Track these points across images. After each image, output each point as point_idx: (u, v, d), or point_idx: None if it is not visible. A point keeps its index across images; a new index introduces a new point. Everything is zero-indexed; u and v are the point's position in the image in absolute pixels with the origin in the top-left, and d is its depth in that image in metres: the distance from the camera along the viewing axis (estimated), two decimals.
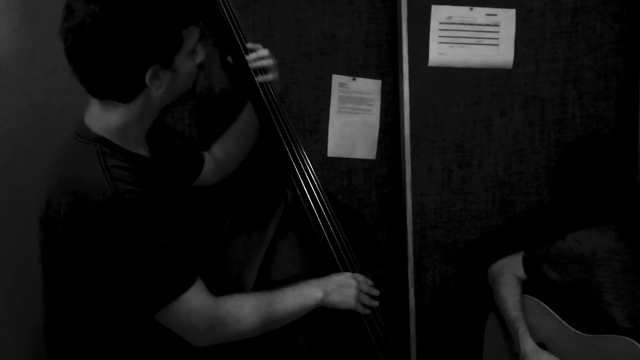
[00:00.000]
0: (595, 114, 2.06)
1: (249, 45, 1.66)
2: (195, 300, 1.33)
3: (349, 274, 1.60)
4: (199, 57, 1.40)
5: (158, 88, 1.31)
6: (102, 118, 1.33)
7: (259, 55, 1.66)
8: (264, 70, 1.66)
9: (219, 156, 1.81)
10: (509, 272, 1.88)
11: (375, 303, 1.63)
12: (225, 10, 1.65)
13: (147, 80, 1.28)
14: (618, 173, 1.96)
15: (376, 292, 1.64)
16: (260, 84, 1.65)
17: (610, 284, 1.74)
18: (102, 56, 1.23)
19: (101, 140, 1.32)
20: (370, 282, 1.64)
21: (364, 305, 1.61)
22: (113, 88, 1.29)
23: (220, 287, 1.41)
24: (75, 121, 1.37)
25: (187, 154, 1.71)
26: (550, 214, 2.09)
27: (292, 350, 1.61)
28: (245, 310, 1.39)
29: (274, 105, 1.65)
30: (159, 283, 1.29)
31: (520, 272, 1.88)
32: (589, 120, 2.06)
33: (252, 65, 1.65)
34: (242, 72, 1.67)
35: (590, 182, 2.05)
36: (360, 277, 1.62)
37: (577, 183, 2.07)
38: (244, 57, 1.65)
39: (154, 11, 1.23)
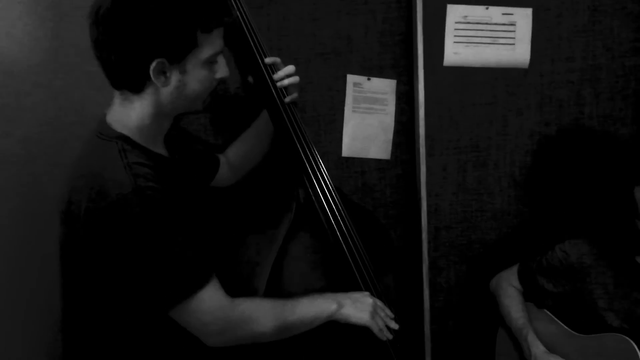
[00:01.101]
0: (612, 114, 2.04)
1: (268, 60, 1.63)
2: (211, 299, 1.33)
3: (368, 293, 1.58)
4: (220, 72, 1.40)
5: (164, 84, 1.32)
6: (122, 115, 1.36)
7: (287, 73, 1.62)
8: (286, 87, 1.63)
9: (233, 160, 1.82)
10: (508, 284, 1.91)
11: (393, 325, 1.59)
12: (245, 27, 1.62)
13: (151, 72, 1.28)
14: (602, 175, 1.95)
15: (394, 326, 1.59)
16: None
17: (601, 291, 1.76)
18: (110, 38, 1.27)
19: (122, 138, 1.33)
20: (390, 314, 1.60)
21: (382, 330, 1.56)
22: (121, 73, 1.31)
23: (233, 286, 1.41)
24: (97, 120, 1.39)
25: (203, 156, 1.72)
26: (543, 223, 2.07)
27: (302, 352, 1.61)
28: (260, 313, 1.40)
29: (290, 113, 1.65)
30: (175, 280, 1.30)
31: (518, 284, 1.90)
32: (606, 120, 2.04)
33: (280, 84, 1.62)
34: (266, 93, 1.63)
35: (566, 185, 2.03)
36: (380, 303, 1.59)
37: (552, 187, 2.05)
38: (265, 75, 1.61)
39: (162, 4, 1.25)
